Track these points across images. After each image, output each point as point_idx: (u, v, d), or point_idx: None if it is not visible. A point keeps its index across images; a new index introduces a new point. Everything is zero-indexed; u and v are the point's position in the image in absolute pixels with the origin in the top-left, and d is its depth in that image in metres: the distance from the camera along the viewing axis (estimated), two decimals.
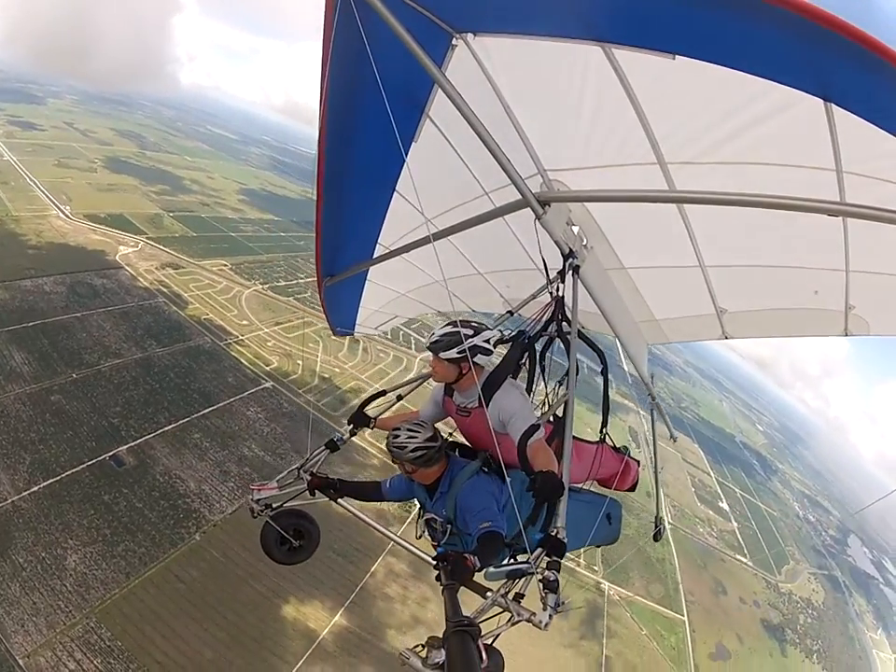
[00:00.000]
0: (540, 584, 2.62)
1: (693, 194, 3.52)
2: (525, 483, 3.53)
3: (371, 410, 4.69)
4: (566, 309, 4.42)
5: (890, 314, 4.11)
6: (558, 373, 4.40)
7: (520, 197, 4.14)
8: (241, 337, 65.89)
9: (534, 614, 2.55)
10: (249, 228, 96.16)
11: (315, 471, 4.39)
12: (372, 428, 4.63)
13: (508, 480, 3.50)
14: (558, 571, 2.66)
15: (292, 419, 56.18)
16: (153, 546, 39.06)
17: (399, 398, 4.97)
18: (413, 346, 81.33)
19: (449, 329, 3.82)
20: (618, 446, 4.78)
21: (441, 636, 2.33)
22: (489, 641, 2.52)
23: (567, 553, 3.87)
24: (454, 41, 3.34)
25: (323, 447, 4.57)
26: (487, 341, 3.84)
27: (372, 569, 46.20)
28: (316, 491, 4.28)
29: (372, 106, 3.93)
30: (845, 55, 2.27)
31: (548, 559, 2.72)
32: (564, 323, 4.38)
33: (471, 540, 3.40)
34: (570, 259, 4.34)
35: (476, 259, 6.28)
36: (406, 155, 4.61)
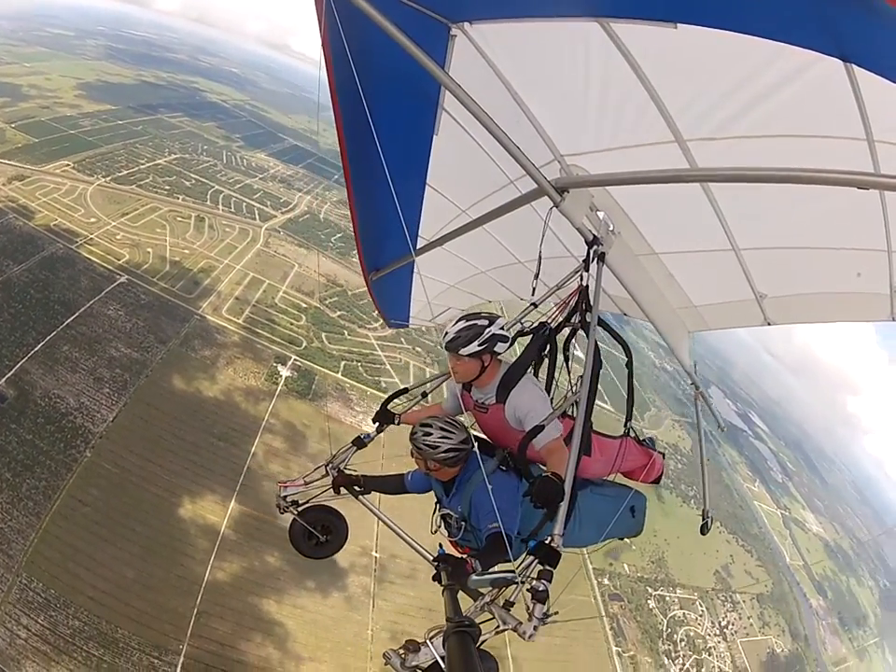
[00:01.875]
0: (528, 594, 2.58)
1: (713, 172, 3.34)
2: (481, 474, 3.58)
3: (395, 406, 4.78)
4: (591, 299, 4.31)
5: None
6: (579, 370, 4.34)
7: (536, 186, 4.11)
8: (90, 236, 64.84)
9: (520, 623, 2.53)
10: (87, 122, 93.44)
11: (341, 468, 4.54)
12: (398, 424, 4.68)
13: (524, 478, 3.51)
14: (549, 581, 2.60)
15: (151, 309, 57.51)
16: (52, 476, 39.50)
17: (424, 394, 5.03)
18: (257, 217, 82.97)
19: (462, 324, 3.80)
20: (642, 439, 4.63)
21: (418, 639, 2.40)
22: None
23: (587, 547, 3.83)
24: (451, 32, 3.32)
25: (350, 444, 4.70)
26: (502, 328, 3.82)
27: (252, 450, 48.28)
28: (341, 488, 4.45)
29: (387, 104, 4.02)
30: (857, 5, 2.08)
31: (540, 568, 2.65)
32: (588, 314, 4.27)
33: (481, 539, 3.45)
34: (595, 247, 4.23)
35: (514, 247, 6.22)
36: (430, 149, 4.67)
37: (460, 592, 2.93)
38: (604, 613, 57.16)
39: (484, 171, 4.89)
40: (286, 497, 4.52)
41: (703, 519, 6.18)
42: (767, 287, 4.39)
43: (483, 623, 2.60)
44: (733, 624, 69.14)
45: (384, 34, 3.08)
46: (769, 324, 4.70)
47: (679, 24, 2.67)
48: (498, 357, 3.86)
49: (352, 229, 5.84)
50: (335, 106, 4.00)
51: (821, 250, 3.71)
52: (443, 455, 3.70)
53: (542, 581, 2.56)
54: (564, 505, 2.90)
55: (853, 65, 2.41)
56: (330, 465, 4.58)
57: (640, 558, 64.87)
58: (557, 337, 4.35)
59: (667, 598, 64.13)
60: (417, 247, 6.11)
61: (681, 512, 70.45)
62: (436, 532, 4.06)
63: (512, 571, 2.67)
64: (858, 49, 2.32)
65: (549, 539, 2.75)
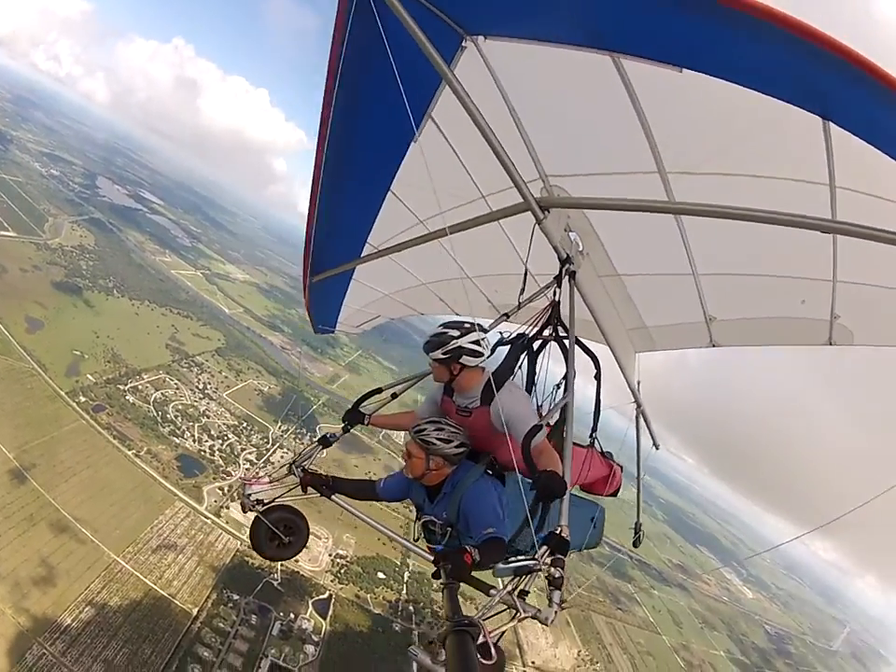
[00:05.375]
0: (546, 581, 2.75)
1: (691, 206, 3.75)
2: (525, 483, 3.72)
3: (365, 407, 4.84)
4: (560, 314, 4.60)
5: (875, 324, 4.42)
6: (553, 377, 4.58)
7: (520, 201, 4.33)
8: None
9: (539, 611, 2.68)
10: None
11: (306, 468, 4.51)
12: (367, 425, 4.76)
13: (519, 479, 3.64)
14: (563, 568, 2.79)
15: None
16: None
17: (394, 395, 5.07)
18: None
19: (439, 329, 4.03)
20: (603, 451, 4.97)
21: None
22: (495, 639, 2.57)
23: None
24: (464, 43, 3.48)
25: (316, 443, 4.69)
26: (476, 342, 3.96)
27: None
28: (309, 488, 4.40)
29: (375, 107, 4.08)
30: (847, 79, 2.52)
31: (552, 556, 2.83)
32: (559, 327, 4.55)
33: (473, 544, 3.48)
34: (567, 265, 4.53)
35: (466, 262, 6.42)
36: (404, 156, 4.76)
37: (459, 592, 2.96)
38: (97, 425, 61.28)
39: (454, 184, 5.06)
40: (250, 495, 4.41)
41: (634, 533, 6.62)
42: (718, 310, 4.95)
43: (497, 614, 2.75)
44: (209, 384, 79.59)
45: (393, 33, 3.19)
46: (714, 345, 5.29)
47: (684, 69, 3.01)
48: (471, 367, 4.01)
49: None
50: (327, 102, 3.99)
51: (773, 277, 4.27)
52: (454, 449, 3.81)
53: (557, 568, 2.75)
54: (566, 498, 3.18)
55: (831, 123, 2.87)
56: (295, 463, 4.54)
57: (105, 368, 70.73)
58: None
59: (139, 387, 70.44)
60: (363, 254, 6.17)
61: (108, 307, 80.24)
62: (417, 540, 4.13)
63: (534, 559, 2.83)
64: (838, 111, 2.79)
65: (558, 529, 2.96)
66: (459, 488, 3.81)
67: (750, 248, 4.06)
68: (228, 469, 67.92)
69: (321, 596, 58.52)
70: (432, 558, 3.42)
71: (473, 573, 3.16)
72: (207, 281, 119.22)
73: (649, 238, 4.56)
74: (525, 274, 4.50)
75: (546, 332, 4.62)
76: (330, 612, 57.42)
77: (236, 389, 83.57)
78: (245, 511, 4.43)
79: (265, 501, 4.44)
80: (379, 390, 5.07)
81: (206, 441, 70.57)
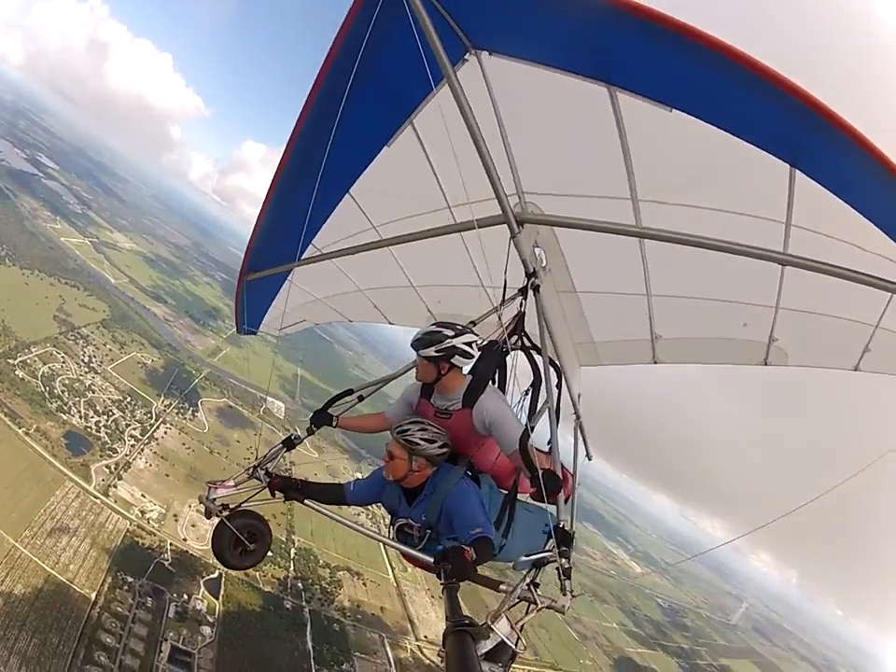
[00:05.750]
0: (557, 571, 2.91)
1: (657, 231, 4.04)
2: (494, 487, 4.02)
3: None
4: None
5: (809, 347, 4.98)
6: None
7: (496, 213, 4.44)
8: None
9: (554, 601, 2.80)
10: None
11: (270, 470, 4.33)
12: (335, 427, 4.62)
13: (491, 482, 3.71)
14: (569, 560, 2.95)
15: None
16: None
17: (361, 398, 4.96)
18: None
19: (432, 328, 4.03)
20: None
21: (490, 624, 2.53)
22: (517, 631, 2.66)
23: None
24: (467, 56, 3.53)
25: (280, 445, 4.50)
26: (469, 344, 4.01)
27: None
28: (276, 492, 4.24)
29: (357, 106, 3.98)
30: (820, 136, 2.87)
31: (560, 549, 2.98)
32: (524, 338, 4.73)
33: (463, 543, 3.51)
34: (533, 279, 4.69)
35: (412, 271, 6.39)
36: (374, 158, 4.68)
37: (459, 591, 3.01)
38: None
39: (420, 192, 5.07)
40: (215, 499, 4.13)
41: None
42: (664, 329, 5.34)
43: (515, 604, 2.83)
44: (94, 357, 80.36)
45: (399, 35, 3.16)
46: (656, 362, 5.69)
47: (674, 109, 3.26)
48: (459, 368, 4.06)
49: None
50: (311, 96, 3.90)
51: (721, 302, 4.69)
52: (438, 450, 3.80)
53: (566, 559, 2.92)
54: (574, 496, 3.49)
55: (798, 171, 3.24)
56: (259, 466, 4.33)
57: None
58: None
59: (28, 361, 69.65)
60: (306, 255, 5.98)
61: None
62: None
63: (549, 551, 2.99)
64: (807, 162, 3.16)
65: (562, 523, 3.13)
66: (441, 490, 3.82)
67: (704, 274, 4.45)
68: (114, 445, 65.70)
69: (212, 576, 57.45)
70: (431, 560, 3.41)
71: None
72: (95, 250, 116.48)
73: (611, 259, 4.84)
74: (505, 286, 4.59)
75: (512, 342, 4.73)
76: (222, 592, 56.63)
77: (120, 363, 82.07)
78: (209, 517, 4.16)
79: (230, 506, 4.20)
80: (350, 391, 4.94)
81: (92, 416, 68.21)
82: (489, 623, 2.58)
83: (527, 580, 2.89)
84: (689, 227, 3.86)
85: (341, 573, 67.27)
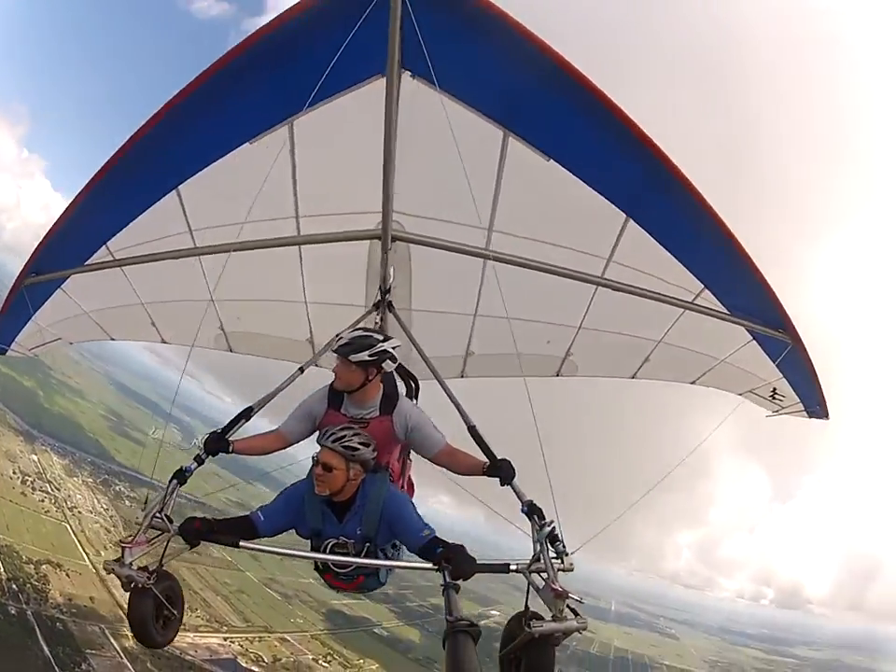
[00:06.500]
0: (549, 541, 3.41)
1: (501, 254, 4.82)
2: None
3: None
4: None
5: (597, 359, 6.20)
6: None
7: (364, 228, 4.56)
8: None
9: (562, 562, 3.30)
10: None
11: (169, 514, 3.55)
12: (231, 453, 4.01)
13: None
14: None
15: None
16: None
17: (248, 418, 4.35)
18: None
19: (360, 332, 3.93)
20: None
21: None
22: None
23: None
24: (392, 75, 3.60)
25: (172, 480, 3.72)
26: (394, 348, 3.98)
27: None
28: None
29: (245, 88, 3.70)
30: (656, 193, 4.06)
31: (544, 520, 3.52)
32: None
33: (414, 548, 3.59)
34: (387, 295, 4.94)
35: (215, 284, 5.74)
36: (227, 153, 4.29)
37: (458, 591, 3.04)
38: None
39: (266, 198, 4.74)
40: (131, 563, 3.20)
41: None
42: (478, 346, 6.10)
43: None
44: None
45: (344, 26, 3.21)
46: (462, 377, 6.41)
47: (552, 160, 4.09)
48: (380, 374, 3.99)
49: None
50: (206, 73, 3.57)
51: (534, 322, 5.64)
52: (372, 454, 3.65)
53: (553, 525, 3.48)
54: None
55: (631, 220, 4.39)
56: (162, 512, 3.51)
57: None
58: None
59: None
60: (95, 258, 4.98)
61: None
62: (322, 569, 3.93)
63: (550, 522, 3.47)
64: (641, 215, 4.33)
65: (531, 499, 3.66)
66: (374, 498, 3.69)
67: (527, 299, 5.37)
68: None
69: None
70: (430, 564, 3.38)
71: None
72: None
73: (453, 281, 5.40)
74: (378, 303, 4.67)
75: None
76: None
77: None
78: (128, 588, 3.19)
79: (149, 568, 3.27)
80: (250, 410, 4.26)
81: None
82: (529, 627, 2.88)
83: (552, 553, 3.29)
84: (529, 254, 4.77)
85: (45, 567, 58.36)
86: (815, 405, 5.58)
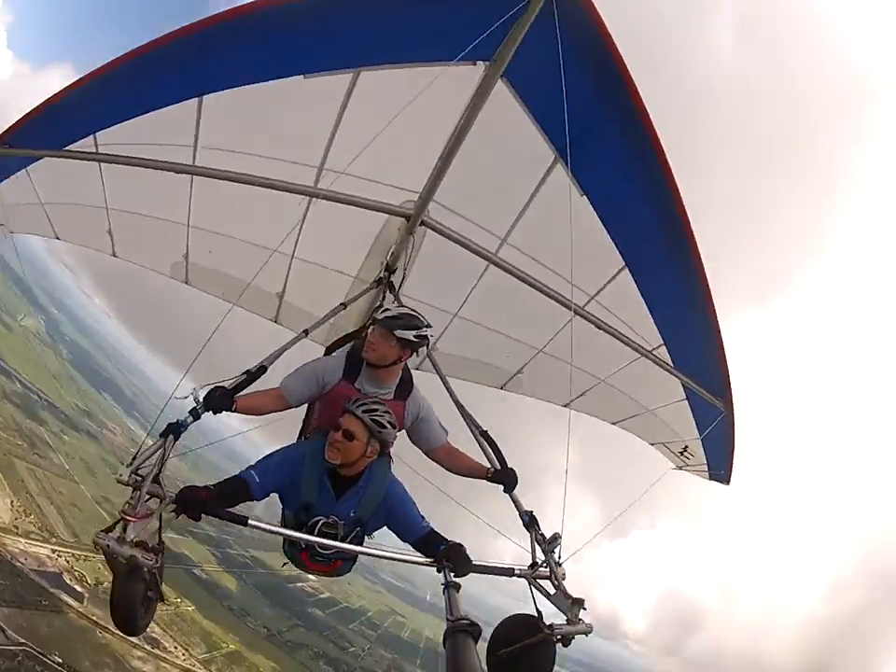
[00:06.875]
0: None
1: (509, 265, 5.07)
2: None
3: None
4: None
5: (541, 383, 6.44)
6: None
7: (396, 204, 4.64)
8: None
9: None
10: None
11: (160, 477, 3.10)
12: (234, 411, 3.64)
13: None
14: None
15: None
16: None
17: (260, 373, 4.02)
18: None
19: (408, 310, 3.90)
20: None
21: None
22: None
23: None
24: (483, 63, 3.75)
25: (166, 436, 3.29)
26: (432, 337, 4.05)
27: None
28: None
29: (340, 17, 3.63)
30: (662, 256, 4.52)
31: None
32: None
33: (410, 539, 3.62)
34: (391, 275, 5.00)
35: (198, 210, 5.36)
36: (281, 77, 4.02)
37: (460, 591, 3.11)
38: None
39: (295, 138, 4.63)
40: (132, 539, 2.74)
41: None
42: (443, 344, 6.15)
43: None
44: None
45: None
46: (417, 369, 6.47)
47: (584, 196, 4.40)
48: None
49: None
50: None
51: (503, 335, 5.88)
52: (394, 437, 3.64)
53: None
54: None
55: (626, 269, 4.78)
56: (158, 475, 3.07)
57: None
58: None
59: None
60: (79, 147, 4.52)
61: None
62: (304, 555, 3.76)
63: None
64: (638, 268, 4.74)
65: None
66: (378, 483, 3.62)
67: (508, 313, 5.67)
68: None
69: None
70: (430, 560, 3.40)
71: None
72: None
73: (447, 278, 5.52)
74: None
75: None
76: None
77: None
78: (123, 571, 2.78)
79: (147, 545, 2.86)
80: (263, 369, 3.94)
81: None
82: (550, 629, 3.11)
83: (557, 555, 3.55)
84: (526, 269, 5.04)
85: None
86: (720, 470, 6.14)
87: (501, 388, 6.66)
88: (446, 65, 3.73)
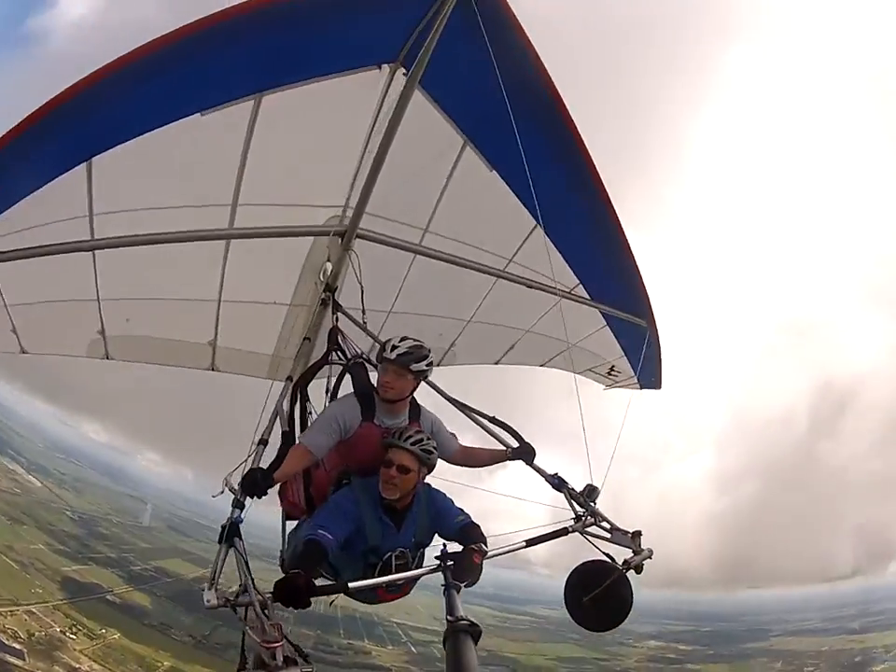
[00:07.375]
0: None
1: (435, 251, 5.36)
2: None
3: None
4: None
5: (472, 349, 6.76)
6: None
7: (315, 224, 4.77)
8: None
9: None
10: None
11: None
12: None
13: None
14: None
15: None
16: None
17: (264, 442, 4.02)
18: None
19: (411, 342, 3.90)
20: None
21: None
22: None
23: None
24: (393, 66, 3.90)
25: (229, 541, 3.14)
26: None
27: None
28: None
29: (223, 49, 3.47)
30: (572, 209, 5.08)
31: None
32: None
33: (453, 531, 3.72)
34: (331, 293, 5.08)
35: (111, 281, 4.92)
36: (173, 121, 3.74)
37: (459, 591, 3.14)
38: None
39: (200, 180, 4.43)
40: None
41: None
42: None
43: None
44: None
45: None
46: None
47: (494, 171, 4.81)
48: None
49: None
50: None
51: (433, 316, 6.15)
52: (437, 459, 3.72)
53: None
54: None
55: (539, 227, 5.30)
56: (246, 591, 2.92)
57: None
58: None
59: None
60: None
61: None
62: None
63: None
64: (550, 225, 5.23)
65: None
66: (424, 501, 3.78)
67: (435, 295, 5.98)
68: None
69: None
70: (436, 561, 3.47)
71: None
72: None
73: (375, 279, 5.57)
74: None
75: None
76: None
77: None
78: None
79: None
80: (287, 435, 3.94)
81: None
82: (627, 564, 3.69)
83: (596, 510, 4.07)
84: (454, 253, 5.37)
85: None
86: (650, 378, 6.76)
87: (438, 365, 6.86)
88: (353, 73, 3.83)
